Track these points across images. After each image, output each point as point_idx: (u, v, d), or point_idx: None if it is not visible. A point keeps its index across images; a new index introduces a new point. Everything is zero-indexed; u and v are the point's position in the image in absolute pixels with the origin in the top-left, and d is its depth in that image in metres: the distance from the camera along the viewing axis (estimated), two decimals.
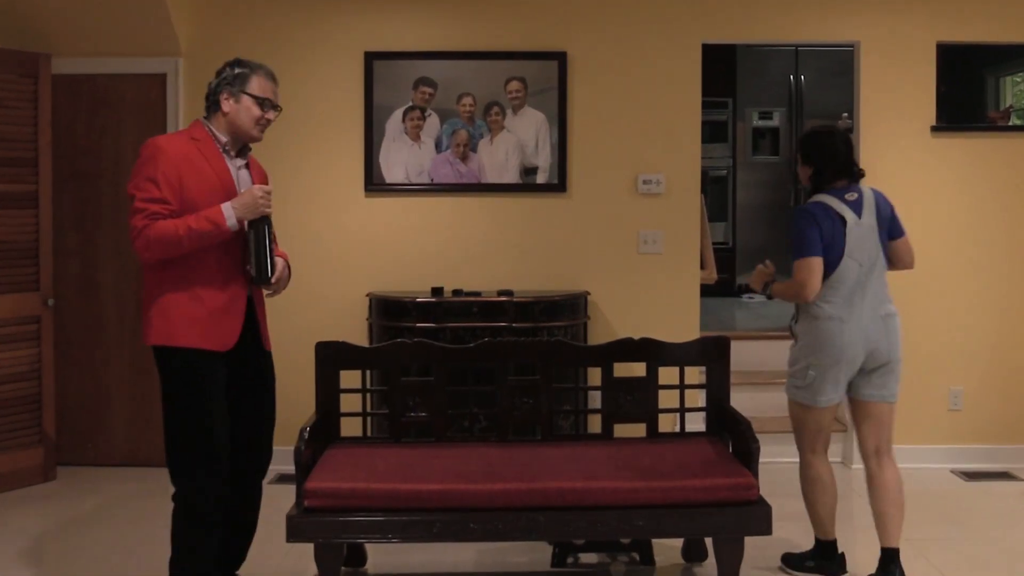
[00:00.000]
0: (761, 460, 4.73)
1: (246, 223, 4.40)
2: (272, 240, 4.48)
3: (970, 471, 6.98)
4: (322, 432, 5.07)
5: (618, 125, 7.04)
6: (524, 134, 7.06)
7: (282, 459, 6.55)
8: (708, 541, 5.18)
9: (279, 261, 4.58)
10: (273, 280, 4.51)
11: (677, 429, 5.48)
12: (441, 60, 7.06)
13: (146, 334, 4.42)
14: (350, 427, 5.44)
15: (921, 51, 7.06)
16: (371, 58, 7.04)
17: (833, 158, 4.97)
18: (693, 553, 5.28)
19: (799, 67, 10.84)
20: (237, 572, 4.87)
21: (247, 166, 4.65)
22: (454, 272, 6.98)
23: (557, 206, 7.07)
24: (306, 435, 4.70)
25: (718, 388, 5.27)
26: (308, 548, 4.66)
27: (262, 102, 4.53)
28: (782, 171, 10.91)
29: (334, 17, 7.06)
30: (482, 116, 7.06)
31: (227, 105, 4.51)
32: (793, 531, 5.75)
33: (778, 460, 7.03)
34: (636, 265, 6.99)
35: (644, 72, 7.07)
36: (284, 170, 7.02)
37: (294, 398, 6.56)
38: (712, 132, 10.68)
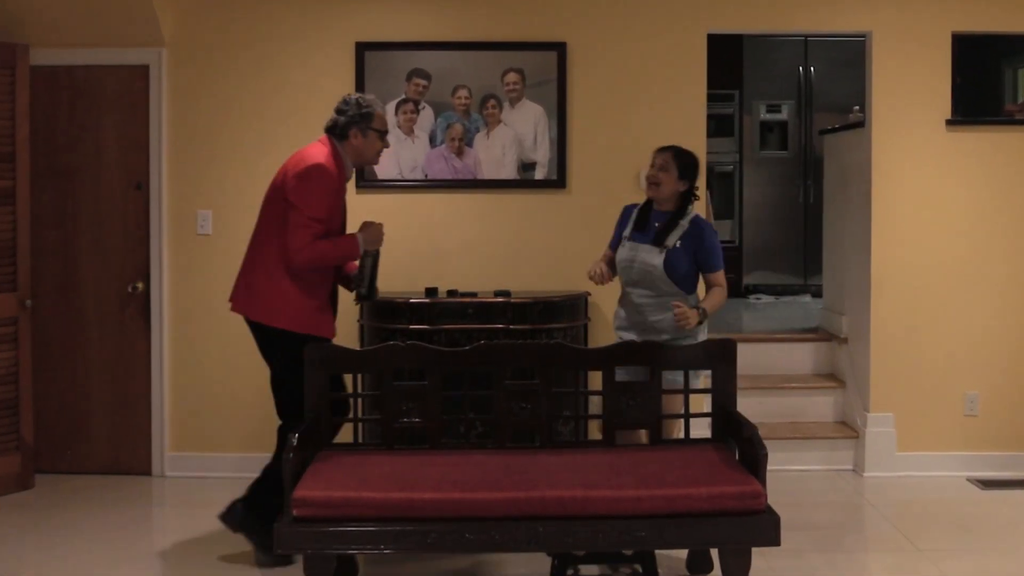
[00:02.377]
0: (769, 468, 4.74)
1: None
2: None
3: (986, 479, 6.98)
4: (312, 438, 5.06)
5: (620, 118, 7.05)
6: (522, 128, 7.07)
7: None
8: (714, 552, 5.19)
9: None
10: (376, 299, 5.73)
11: (681, 435, 5.48)
12: (435, 51, 7.07)
13: (275, 318, 5.44)
14: (341, 433, 5.45)
15: (935, 41, 7.07)
16: (362, 49, 7.05)
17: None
18: (698, 565, 5.29)
19: (808, 58, 10.87)
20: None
21: None
22: (449, 272, 6.98)
23: (556, 203, 7.07)
24: (295, 441, 4.70)
25: (724, 393, 5.27)
26: (297, 559, 4.67)
27: (383, 135, 5.57)
28: (791, 166, 10.94)
29: (324, 6, 7.06)
30: (478, 109, 7.07)
31: (357, 140, 5.50)
32: (803, 541, 5.76)
33: (787, 468, 7.04)
34: None
35: (647, 63, 7.08)
36: (271, 165, 7.00)
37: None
38: (718, 126, 10.70)
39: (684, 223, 5.58)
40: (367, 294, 5.56)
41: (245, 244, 7.00)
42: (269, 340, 5.51)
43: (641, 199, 5.75)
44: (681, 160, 5.63)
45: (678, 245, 5.53)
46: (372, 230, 5.51)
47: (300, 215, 5.29)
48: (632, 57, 7.07)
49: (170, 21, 7.03)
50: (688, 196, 5.66)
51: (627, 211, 5.83)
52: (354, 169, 5.68)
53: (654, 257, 5.52)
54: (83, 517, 6.28)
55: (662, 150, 5.68)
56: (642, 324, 5.59)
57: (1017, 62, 10.08)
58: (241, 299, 5.60)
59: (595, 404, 5.64)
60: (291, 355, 5.36)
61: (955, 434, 7.14)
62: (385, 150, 6.97)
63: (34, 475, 6.87)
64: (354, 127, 5.45)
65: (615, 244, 5.76)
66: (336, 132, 5.49)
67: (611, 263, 5.74)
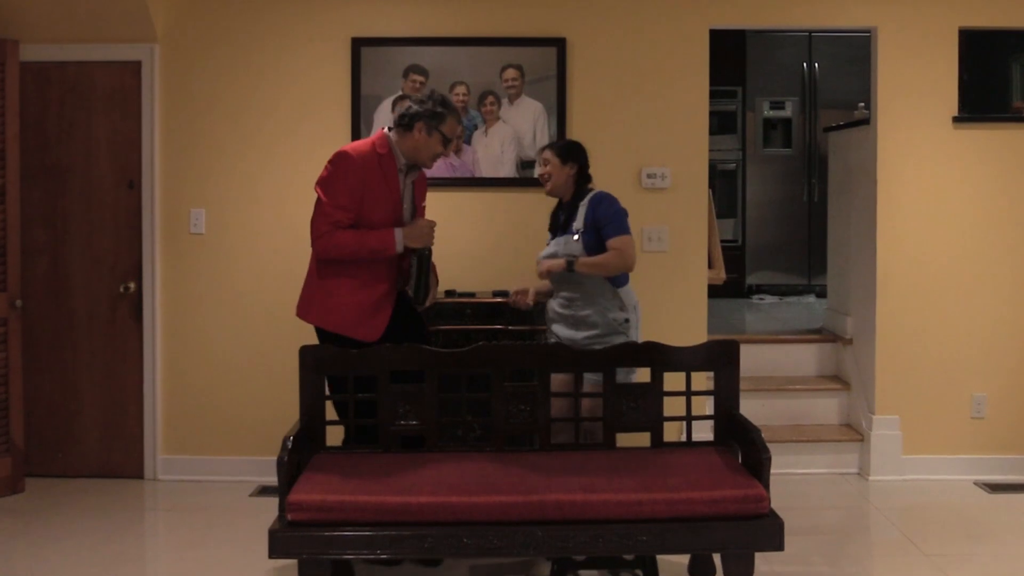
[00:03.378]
0: (772, 471, 4.73)
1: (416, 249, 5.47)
2: (432, 268, 5.56)
3: (994, 483, 6.97)
4: (306, 441, 5.06)
5: (621, 116, 7.04)
6: (521, 125, 7.06)
7: (264, 469, 6.57)
8: (716, 557, 5.18)
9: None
10: (427, 304, 5.60)
11: (683, 438, 5.47)
12: (433, 47, 7.06)
13: (308, 313, 5.56)
14: (336, 436, 5.44)
15: (942, 37, 7.06)
16: (358, 44, 7.04)
17: (587, 161, 5.84)
18: (700, 569, 5.28)
19: (813, 54, 10.86)
20: None
21: (414, 180, 5.66)
22: (447, 272, 6.95)
23: (556, 201, 7.05)
24: (289, 444, 4.69)
25: (727, 395, 5.26)
26: (292, 565, 4.67)
27: (447, 142, 5.53)
28: (795, 164, 10.93)
29: (318, 0, 7.05)
30: (476, 106, 7.06)
31: (420, 135, 5.47)
32: (806, 546, 5.76)
33: (790, 471, 7.04)
34: (640, 264, 6.93)
35: (648, 59, 7.07)
36: (265, 163, 7.01)
37: (277, 405, 6.58)
38: (720, 123, 10.70)
39: (584, 203, 5.70)
40: (415, 296, 5.54)
41: (239, 243, 7.03)
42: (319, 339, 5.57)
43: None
44: (557, 149, 5.80)
45: (583, 228, 5.64)
46: (414, 226, 5.51)
47: (321, 203, 5.38)
48: (633, 53, 7.06)
49: (163, 16, 7.02)
50: (582, 178, 5.79)
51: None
52: (406, 163, 5.56)
53: (573, 246, 5.63)
54: (74, 521, 6.27)
55: (540, 151, 5.90)
56: (573, 318, 5.66)
57: None
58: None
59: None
60: None
61: (962, 437, 7.14)
62: None
63: (24, 479, 6.86)
64: (422, 120, 5.44)
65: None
66: (404, 121, 5.48)
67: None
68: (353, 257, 5.39)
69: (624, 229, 5.60)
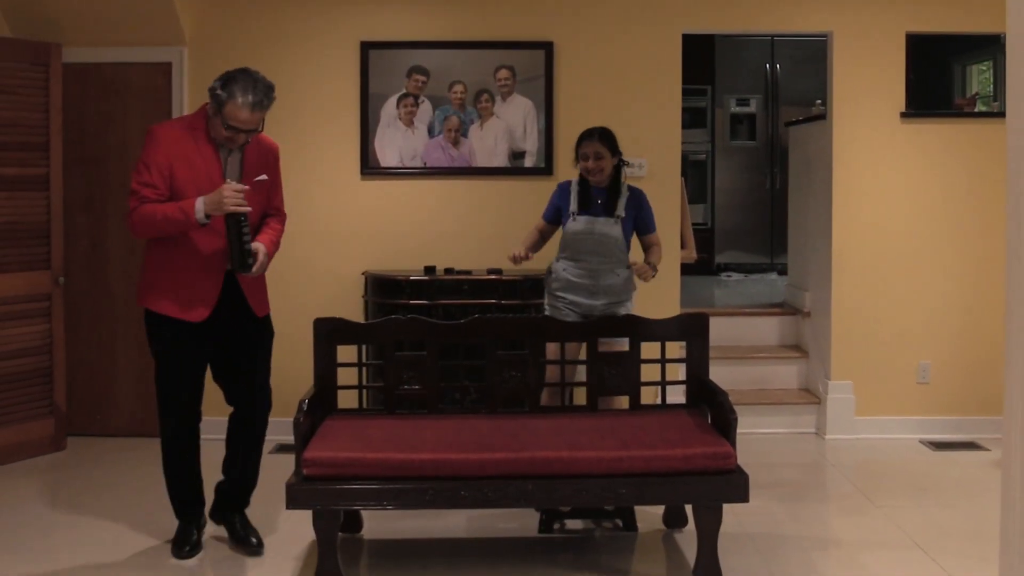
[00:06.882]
0: (738, 431, 4.71)
1: (225, 217, 4.67)
2: (244, 234, 4.70)
3: (937, 441, 6.97)
4: (320, 404, 5.03)
5: (602, 111, 6.99)
6: (513, 120, 7.03)
7: (282, 430, 6.53)
8: (688, 508, 5.17)
9: (259, 248, 4.79)
10: (253, 271, 4.77)
11: (659, 401, 5.46)
12: (434, 49, 7.02)
13: (138, 296, 4.91)
14: (347, 399, 5.42)
15: (891, 41, 7.03)
16: (367, 47, 7.00)
17: None
18: (673, 519, 5.28)
19: (775, 56, 10.82)
20: (245, 512, 5.24)
21: (244, 152, 4.88)
22: (446, 251, 6.95)
23: (544, 188, 6.99)
24: (305, 407, 4.66)
25: (697, 362, 5.24)
26: (307, 515, 4.65)
27: (229, 128, 4.68)
28: (759, 156, 10.90)
29: (331, 8, 7.00)
30: (473, 103, 7.02)
31: (212, 115, 4.74)
32: (769, 498, 5.75)
33: (755, 431, 7.04)
34: None
35: (627, 61, 7.04)
36: (284, 155, 6.95)
37: (294, 372, 6.54)
38: (692, 118, 10.65)
39: (624, 192, 5.60)
40: (231, 266, 4.77)
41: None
42: (144, 323, 4.97)
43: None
44: (607, 141, 5.58)
45: (625, 215, 5.56)
46: (214, 192, 4.63)
47: (132, 180, 4.75)
48: (614, 55, 7.03)
49: (190, 22, 6.97)
50: (619, 166, 5.64)
51: (564, 187, 5.74)
52: (226, 138, 4.74)
53: (611, 227, 5.52)
54: (111, 476, 6.27)
55: (588, 139, 5.59)
56: (593, 287, 5.53)
57: (966, 59, 10.04)
58: None
59: (580, 372, 5.61)
60: (153, 338, 4.94)
61: (909, 400, 7.13)
62: (387, 141, 7.00)
63: (66, 438, 6.85)
64: (210, 101, 4.72)
65: (550, 216, 5.72)
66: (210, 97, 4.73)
67: (542, 236, 5.76)
68: (161, 231, 4.68)
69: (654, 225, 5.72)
